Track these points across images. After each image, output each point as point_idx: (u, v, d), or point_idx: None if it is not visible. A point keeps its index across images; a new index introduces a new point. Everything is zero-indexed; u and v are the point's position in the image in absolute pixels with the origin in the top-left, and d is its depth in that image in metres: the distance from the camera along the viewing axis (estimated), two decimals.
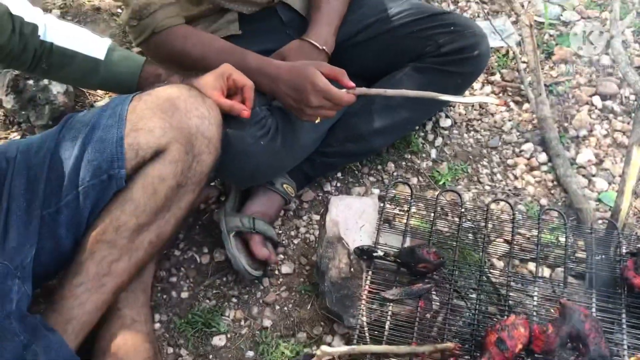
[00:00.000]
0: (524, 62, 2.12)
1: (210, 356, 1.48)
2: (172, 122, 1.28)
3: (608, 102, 2.01)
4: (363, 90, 1.45)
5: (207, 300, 1.59)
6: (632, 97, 2.00)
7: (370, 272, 1.40)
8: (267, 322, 1.54)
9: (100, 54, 1.39)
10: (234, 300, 1.58)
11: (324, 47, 1.60)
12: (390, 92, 1.49)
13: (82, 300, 1.25)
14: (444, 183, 1.81)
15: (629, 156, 1.57)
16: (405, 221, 1.54)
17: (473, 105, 2.01)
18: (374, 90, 1.50)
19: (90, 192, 1.27)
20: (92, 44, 1.40)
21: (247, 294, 1.59)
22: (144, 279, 1.48)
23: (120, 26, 2.34)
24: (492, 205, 1.65)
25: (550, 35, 2.24)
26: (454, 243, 1.49)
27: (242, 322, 1.54)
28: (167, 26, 1.49)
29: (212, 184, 1.74)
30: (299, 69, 1.44)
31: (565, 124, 1.95)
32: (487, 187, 1.82)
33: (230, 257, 1.54)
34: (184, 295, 1.60)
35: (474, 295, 1.42)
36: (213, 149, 1.33)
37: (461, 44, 1.67)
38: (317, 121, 1.47)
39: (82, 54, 1.38)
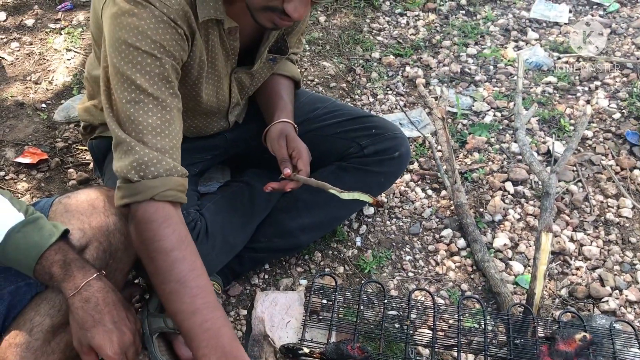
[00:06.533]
0: (439, 151, 2.23)
1: None
2: (90, 222, 1.30)
3: (519, 187, 2.14)
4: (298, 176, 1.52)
5: None
6: (540, 182, 2.14)
7: None
8: None
9: None
10: None
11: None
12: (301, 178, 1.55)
13: None
14: (369, 271, 1.85)
15: (539, 242, 1.66)
16: (331, 314, 1.56)
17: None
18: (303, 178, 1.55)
19: (5, 297, 1.24)
20: None
21: None
22: None
23: (44, 121, 2.32)
24: (416, 293, 1.69)
25: (464, 125, 2.38)
26: (380, 333, 1.51)
27: None
28: (171, 198, 1.23)
29: (136, 281, 1.71)
30: None
31: (481, 210, 2.05)
32: (411, 274, 1.86)
33: None
34: None
35: None
36: (129, 245, 1.33)
37: (382, 146, 1.76)
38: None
39: None
